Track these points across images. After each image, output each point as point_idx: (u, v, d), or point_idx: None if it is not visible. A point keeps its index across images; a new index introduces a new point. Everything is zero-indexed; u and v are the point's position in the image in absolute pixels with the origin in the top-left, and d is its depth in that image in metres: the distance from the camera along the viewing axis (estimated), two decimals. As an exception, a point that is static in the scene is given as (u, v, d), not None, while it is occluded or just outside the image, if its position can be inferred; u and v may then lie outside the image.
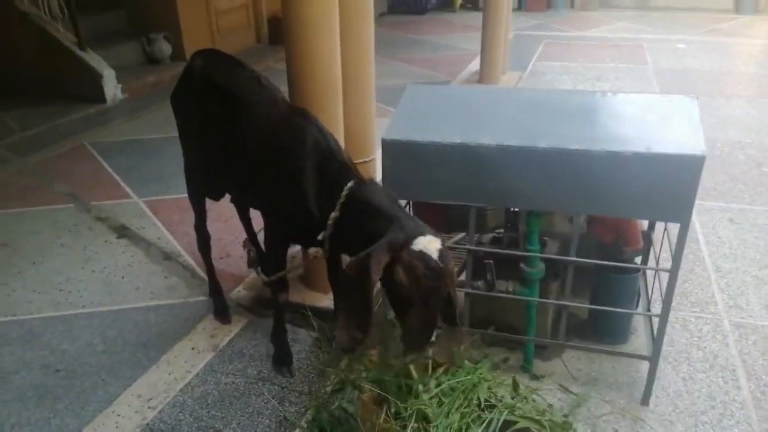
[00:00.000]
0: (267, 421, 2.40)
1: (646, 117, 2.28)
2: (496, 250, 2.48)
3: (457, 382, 2.04)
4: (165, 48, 7.29)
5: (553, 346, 2.67)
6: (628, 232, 2.58)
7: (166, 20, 7.31)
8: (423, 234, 1.86)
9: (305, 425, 2.35)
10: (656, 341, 2.32)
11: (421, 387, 2.03)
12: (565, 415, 2.21)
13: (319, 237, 2.17)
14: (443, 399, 2.00)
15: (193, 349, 2.81)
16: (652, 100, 2.42)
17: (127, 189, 4.44)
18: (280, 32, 9.10)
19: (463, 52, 8.54)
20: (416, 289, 1.81)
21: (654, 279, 2.72)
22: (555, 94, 2.68)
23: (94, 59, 6.26)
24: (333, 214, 2.11)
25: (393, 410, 1.99)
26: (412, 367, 2.09)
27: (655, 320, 2.40)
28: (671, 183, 2.04)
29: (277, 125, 2.26)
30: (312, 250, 2.24)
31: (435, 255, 1.82)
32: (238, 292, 3.22)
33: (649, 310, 2.68)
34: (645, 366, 2.58)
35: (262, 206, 2.45)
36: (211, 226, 3.00)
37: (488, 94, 2.63)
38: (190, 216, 3.95)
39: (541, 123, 2.30)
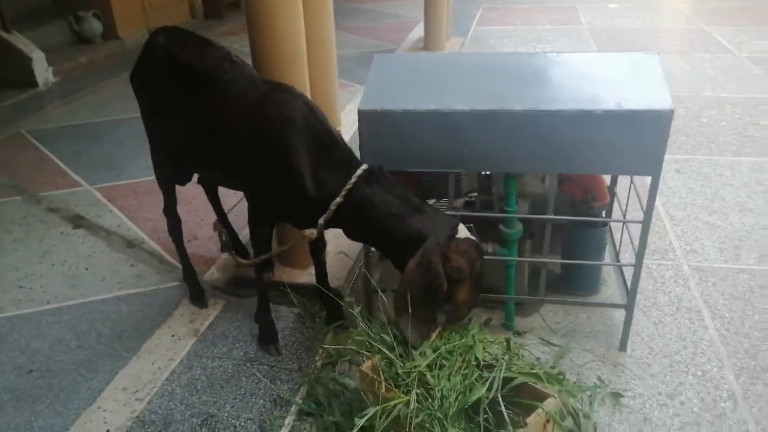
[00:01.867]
0: (261, 401, 2.39)
1: (611, 75, 2.35)
2: (478, 214, 2.52)
3: (453, 345, 2.09)
4: (95, 26, 6.91)
5: (530, 303, 2.76)
6: (596, 189, 2.68)
7: (95, -4, 6.91)
8: (457, 222, 2.01)
9: (300, 401, 2.36)
10: (631, 289, 2.43)
11: (417, 353, 2.07)
12: (552, 367, 2.31)
13: (320, 221, 2.14)
14: (443, 363, 2.05)
15: (173, 336, 2.75)
16: (614, 59, 2.49)
17: (76, 177, 4.24)
18: (214, 5, 8.83)
19: (405, 19, 8.50)
20: (470, 272, 2.01)
21: (621, 231, 2.84)
22: (519, 57, 2.71)
23: (21, 42, 5.87)
24: (337, 200, 2.09)
25: (392, 378, 2.03)
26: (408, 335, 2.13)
27: (628, 270, 2.51)
28: (642, 138, 2.12)
29: (260, 103, 2.19)
30: (307, 231, 2.22)
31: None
32: (211, 275, 3.15)
33: (618, 260, 2.80)
34: (618, 314, 2.72)
35: (246, 187, 2.39)
36: (180, 208, 2.91)
37: (455, 60, 2.63)
38: (149, 201, 3.85)
39: (511, 86, 2.32)
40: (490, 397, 1.90)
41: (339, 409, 2.27)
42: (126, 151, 4.64)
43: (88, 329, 2.79)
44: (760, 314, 2.73)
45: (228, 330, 2.78)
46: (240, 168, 2.29)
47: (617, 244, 2.91)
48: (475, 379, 1.96)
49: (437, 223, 2.04)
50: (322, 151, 2.15)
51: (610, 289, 2.91)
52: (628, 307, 2.48)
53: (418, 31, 7.65)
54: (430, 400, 1.92)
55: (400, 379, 2.00)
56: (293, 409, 2.35)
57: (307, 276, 3.00)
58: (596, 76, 2.34)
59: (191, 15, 8.67)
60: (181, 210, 3.55)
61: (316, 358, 2.59)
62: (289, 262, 3.07)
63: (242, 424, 2.29)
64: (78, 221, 3.68)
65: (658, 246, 3.25)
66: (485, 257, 2.48)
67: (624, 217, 2.69)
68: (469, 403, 1.89)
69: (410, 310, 2.00)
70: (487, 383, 1.92)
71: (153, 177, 4.11)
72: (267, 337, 2.64)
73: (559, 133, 2.17)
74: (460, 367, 2.03)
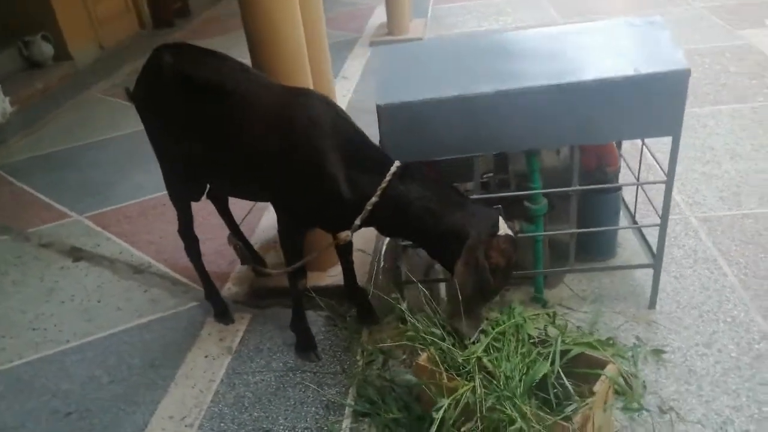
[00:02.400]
0: (313, 408, 2.37)
1: (620, 42, 2.39)
2: (506, 194, 2.53)
3: (504, 327, 2.11)
4: (45, 49, 6.62)
5: (554, 274, 2.80)
6: (608, 155, 2.73)
7: (40, 18, 6.59)
8: (497, 217, 2.02)
9: (353, 403, 2.35)
10: (658, 248, 2.50)
11: (468, 340, 2.08)
12: (590, 333, 2.35)
13: (357, 221, 2.12)
14: (497, 345, 2.07)
15: (206, 357, 2.70)
16: (618, 26, 2.52)
17: (61, 208, 4.08)
18: (163, 13, 8.57)
19: (360, 6, 8.41)
20: (506, 265, 2.05)
21: (636, 193, 2.90)
22: (520, 35, 2.70)
23: (-28, 74, 5.59)
24: (373, 200, 2.07)
25: (452, 368, 2.04)
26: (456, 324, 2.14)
27: (646, 230, 2.58)
28: (662, 100, 2.17)
29: (283, 110, 2.15)
30: (342, 234, 2.19)
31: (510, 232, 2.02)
32: (228, 290, 3.10)
33: (635, 222, 2.87)
34: (639, 274, 2.80)
35: (275, 196, 2.34)
36: (173, 228, 2.83)
37: (455, 45, 2.63)
38: (144, 223, 3.76)
39: (521, 65, 2.34)
40: (555, 371, 1.93)
41: (395, 405, 2.27)
42: (105, 175, 4.49)
43: (116, 362, 2.72)
44: (772, 255, 2.85)
45: (261, 343, 2.74)
46: (267, 178, 2.24)
47: (631, 206, 2.96)
48: (535, 356, 1.99)
49: (478, 217, 2.04)
50: (353, 152, 2.12)
51: (626, 251, 2.98)
52: (656, 265, 2.55)
53: (378, 16, 7.60)
54: (494, 382, 1.94)
55: (460, 368, 2.02)
56: (347, 411, 2.34)
57: (329, 278, 2.98)
58: (605, 44, 2.37)
59: (140, 26, 8.39)
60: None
61: (357, 357, 2.59)
62: (309, 266, 3.03)
63: (300, 434, 2.28)
64: (76, 253, 3.55)
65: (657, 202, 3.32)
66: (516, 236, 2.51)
67: (638, 179, 2.75)
68: (536, 381, 1.92)
69: (463, 309, 2.01)
70: (549, 359, 1.95)
71: (141, 198, 4.12)
72: (305, 345, 2.62)
73: (582, 104, 2.20)
74: (516, 347, 2.06)
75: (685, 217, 3.19)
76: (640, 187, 2.86)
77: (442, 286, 2.85)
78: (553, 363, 1.95)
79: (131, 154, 4.75)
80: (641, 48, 2.30)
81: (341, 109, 2.21)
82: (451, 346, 2.07)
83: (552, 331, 2.14)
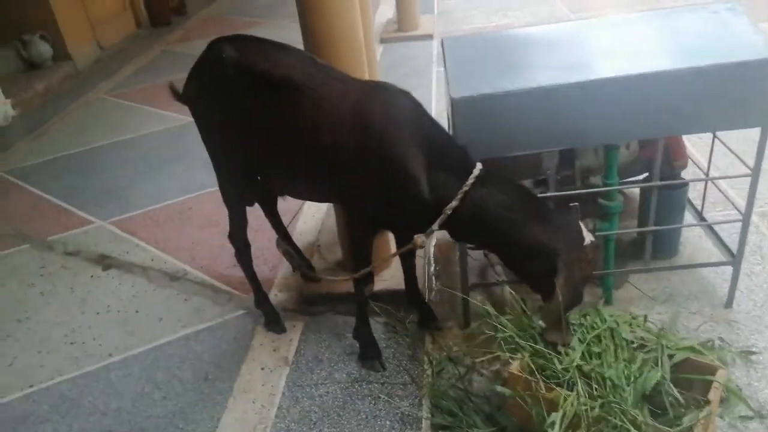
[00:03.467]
0: (387, 422, 2.24)
1: (697, 29, 2.28)
2: (586, 191, 2.42)
3: (599, 331, 2.00)
4: (43, 49, 6.39)
5: (626, 273, 2.70)
6: (676, 149, 2.63)
7: (38, 18, 6.36)
8: (580, 226, 1.92)
9: (432, 415, 2.22)
10: (739, 244, 2.41)
11: (562, 347, 1.97)
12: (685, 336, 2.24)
13: (434, 226, 1.99)
14: (593, 349, 1.96)
15: (262, 369, 2.55)
16: (697, 13, 2.40)
17: (82, 214, 3.90)
18: (160, 12, 8.35)
19: (363, 2, 8.27)
20: (590, 270, 1.95)
21: (705, 189, 2.80)
22: (577, 26, 2.60)
23: (-28, 76, 5.35)
24: (453, 203, 1.94)
25: (548, 376, 1.93)
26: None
27: (721, 227, 2.48)
28: (751, 89, 2.07)
29: (361, 106, 2.01)
30: (419, 240, 2.06)
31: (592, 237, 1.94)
32: (275, 297, 2.95)
33: (703, 219, 2.77)
34: (708, 272, 2.70)
35: (347, 198, 2.21)
36: (205, 233, 2.67)
37: (524, 37, 2.48)
38: (174, 228, 3.60)
39: (595, 55, 2.24)
40: (668, 379, 1.83)
41: (477, 417, 2.15)
42: (122, 179, 4.31)
43: (166, 377, 2.56)
44: (840, 249, 2.77)
45: (319, 352, 2.60)
46: (341, 177, 2.10)
47: (698, 203, 2.86)
48: (641, 362, 1.88)
49: (565, 229, 1.91)
50: (435, 151, 1.99)
51: (688, 248, 2.89)
52: (735, 262, 2.46)
53: (384, 13, 7.47)
54: (598, 389, 1.83)
55: (557, 376, 1.91)
56: (425, 425, 2.21)
57: (382, 282, 2.84)
58: (687, 31, 2.26)
59: (137, 25, 8.17)
60: (209, 233, 3.35)
61: (425, 366, 2.46)
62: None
63: (378, 450, 2.14)
64: (105, 261, 3.38)
65: (717, 198, 3.24)
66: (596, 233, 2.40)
67: (707, 174, 2.65)
68: (649, 389, 1.81)
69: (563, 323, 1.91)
70: (659, 365, 1.85)
71: (166, 203, 3.95)
72: (370, 353, 2.48)
73: (664, 94, 2.10)
74: (615, 352, 1.95)
75: (725, 209, 3.11)
76: (710, 182, 2.76)
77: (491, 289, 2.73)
78: (661, 369, 1.85)
79: (146, 157, 4.58)
80: (721, 34, 2.20)
81: (421, 104, 2.08)
82: (550, 352, 1.96)
83: (645, 335, 2.04)
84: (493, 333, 2.10)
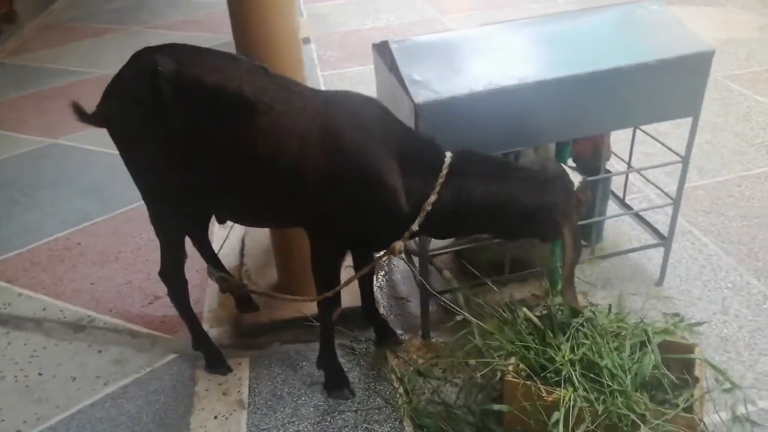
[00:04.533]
0: (373, 452, 2.09)
1: (634, 27, 2.36)
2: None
3: (577, 322, 2.03)
4: None
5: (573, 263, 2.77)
6: (601, 142, 2.76)
7: None
8: (564, 169, 1.95)
9: (419, 435, 2.11)
10: (671, 226, 2.58)
11: (552, 341, 1.98)
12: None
13: (414, 227, 1.88)
14: (580, 341, 1.98)
15: (216, 418, 2.26)
16: (626, 11, 2.47)
17: (-66, 264, 3.22)
18: (-15, 19, 7.24)
19: (223, 8, 7.85)
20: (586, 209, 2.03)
21: (626, 178, 2.97)
22: (535, 23, 2.53)
23: None
24: (431, 199, 1.84)
25: (541, 378, 1.91)
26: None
27: (645, 213, 2.65)
28: (687, 81, 2.22)
29: (320, 119, 1.83)
30: (398, 245, 1.93)
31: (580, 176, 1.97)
32: (207, 332, 2.64)
33: (627, 207, 2.93)
34: (634, 256, 2.87)
35: (314, 221, 1.99)
36: (105, 271, 2.35)
37: (471, 36, 2.44)
38: (61, 269, 3.16)
39: (549, 53, 2.25)
40: (660, 363, 1.88)
41: (468, 429, 2.08)
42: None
43: (100, 447, 2.17)
44: (735, 221, 3.09)
45: (276, 388, 2.37)
46: (304, 200, 1.90)
47: (619, 191, 3.03)
48: (631, 350, 1.93)
49: (554, 183, 1.91)
50: (407, 155, 1.88)
51: (611, 234, 3.06)
52: (667, 243, 2.63)
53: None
54: (597, 381, 1.85)
55: (554, 374, 1.90)
56: (413, 448, 2.09)
57: (330, 302, 2.66)
58: (622, 28, 2.34)
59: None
60: (110, 270, 2.99)
61: (395, 384, 2.34)
62: (298, 292, 2.66)
63: (372, 485, 1.98)
64: (-17, 318, 2.81)
65: (619, 184, 3.47)
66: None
67: (629, 164, 2.81)
68: (647, 375, 1.85)
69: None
70: (650, 355, 1.90)
71: (45, 240, 3.40)
72: (337, 381, 2.30)
73: (616, 89, 2.18)
74: (601, 342, 1.97)
75: (646, 195, 3.37)
76: (627, 174, 2.94)
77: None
78: (653, 353, 1.90)
79: (10, 187, 3.91)
80: (655, 31, 2.31)
81: (387, 108, 1.95)
82: (538, 352, 1.94)
83: (623, 324, 2.10)
84: (460, 339, 2.06)
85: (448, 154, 1.93)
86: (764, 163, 3.56)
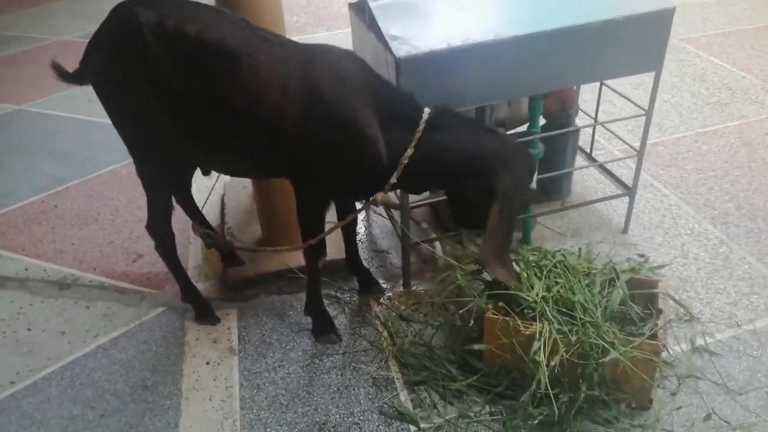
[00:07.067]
0: (362, 389, 2.21)
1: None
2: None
3: (547, 265, 2.17)
4: None
5: (545, 215, 2.92)
6: (569, 97, 2.89)
7: None
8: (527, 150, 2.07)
9: (406, 374, 2.24)
10: (635, 178, 2.74)
11: (524, 282, 2.11)
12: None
13: (393, 179, 1.97)
14: (554, 280, 2.13)
15: (208, 363, 2.35)
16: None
17: None
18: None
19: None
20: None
21: (593, 132, 3.12)
22: None
23: None
24: (408, 152, 1.93)
25: (518, 314, 2.05)
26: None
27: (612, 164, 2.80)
28: (651, 37, 2.35)
29: (303, 70, 1.89)
30: (380, 196, 2.03)
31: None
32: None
33: (593, 160, 3.09)
34: (599, 206, 3.03)
35: (297, 171, 2.06)
36: (85, 232, 2.40)
37: None
38: (40, 229, 3.20)
39: (523, 10, 2.34)
40: (629, 297, 2.04)
41: (452, 367, 2.22)
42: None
43: (96, 393, 2.24)
44: (693, 174, 3.28)
45: (265, 336, 2.46)
46: (287, 150, 1.97)
47: (586, 146, 3.18)
48: (601, 287, 2.08)
49: (512, 160, 1.98)
50: (385, 107, 1.96)
51: (578, 187, 3.22)
52: (632, 193, 2.79)
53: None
54: (569, 314, 2.00)
55: (531, 309, 2.04)
56: (399, 384, 2.22)
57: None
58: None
59: None
60: (90, 231, 3.02)
61: (380, 329, 2.46)
62: (283, 242, 2.73)
63: (363, 418, 2.11)
64: (-36, 279, 2.82)
65: (586, 141, 3.63)
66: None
67: (596, 117, 2.96)
68: (616, 307, 2.01)
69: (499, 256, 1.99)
70: (620, 289, 2.06)
71: (20, 203, 3.38)
72: (325, 327, 2.41)
73: (586, 44, 2.29)
74: (574, 280, 2.12)
75: (609, 151, 3.53)
76: (594, 126, 3.09)
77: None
78: (622, 288, 2.06)
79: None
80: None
81: (366, 62, 2.02)
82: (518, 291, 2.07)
83: (591, 265, 2.25)
84: (439, 282, 2.18)
85: (426, 110, 2.01)
86: (720, 120, 3.76)
